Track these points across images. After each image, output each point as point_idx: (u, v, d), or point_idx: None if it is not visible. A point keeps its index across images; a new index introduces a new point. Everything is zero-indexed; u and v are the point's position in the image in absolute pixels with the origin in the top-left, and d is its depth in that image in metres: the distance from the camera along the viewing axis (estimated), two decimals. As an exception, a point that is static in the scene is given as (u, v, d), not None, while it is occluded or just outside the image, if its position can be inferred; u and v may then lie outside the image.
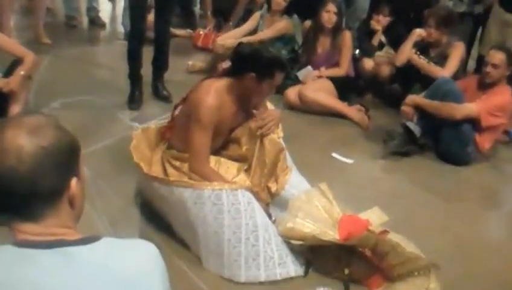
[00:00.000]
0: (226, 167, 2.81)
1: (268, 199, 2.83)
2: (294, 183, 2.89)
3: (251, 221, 2.50)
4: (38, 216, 1.09)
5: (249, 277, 2.51)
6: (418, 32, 4.50)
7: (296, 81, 4.79)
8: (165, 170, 2.79)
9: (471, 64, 5.33)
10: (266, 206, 2.76)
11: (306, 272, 2.57)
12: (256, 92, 2.72)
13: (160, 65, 4.48)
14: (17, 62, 3.58)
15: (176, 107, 2.93)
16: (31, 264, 1.03)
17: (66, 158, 1.11)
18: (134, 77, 4.34)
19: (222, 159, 2.83)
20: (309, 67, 4.77)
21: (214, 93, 2.66)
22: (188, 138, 2.69)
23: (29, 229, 1.08)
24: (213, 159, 2.79)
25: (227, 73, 2.78)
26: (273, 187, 2.83)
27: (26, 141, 1.05)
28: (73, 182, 1.13)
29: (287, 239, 2.55)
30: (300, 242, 2.53)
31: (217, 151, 2.86)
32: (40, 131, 1.07)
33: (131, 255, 1.13)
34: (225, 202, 2.48)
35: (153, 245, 1.19)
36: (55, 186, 1.09)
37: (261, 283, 2.49)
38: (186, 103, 2.82)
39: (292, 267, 2.55)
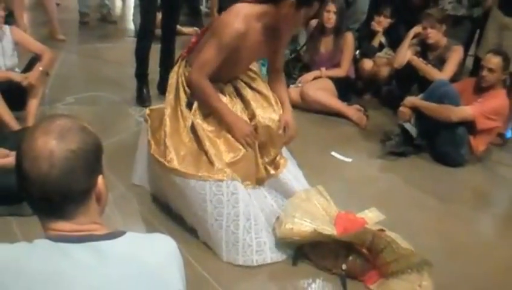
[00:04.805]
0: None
1: (264, 178, 2.85)
2: (290, 169, 2.96)
3: (233, 211, 2.55)
4: (70, 215, 1.12)
5: (229, 258, 2.60)
6: (413, 30, 4.52)
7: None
8: (177, 93, 2.79)
9: (468, 63, 5.28)
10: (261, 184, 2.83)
11: (295, 263, 2.62)
12: (290, 20, 2.65)
13: (169, 66, 4.45)
14: (35, 58, 3.67)
15: (203, 32, 2.89)
16: (66, 258, 1.07)
17: (92, 158, 1.13)
18: (142, 75, 4.36)
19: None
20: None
21: (243, 18, 2.58)
22: (201, 49, 2.68)
23: (61, 227, 1.12)
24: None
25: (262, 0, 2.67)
26: (271, 170, 2.87)
27: (55, 146, 1.07)
28: (100, 179, 1.16)
29: (287, 239, 2.59)
30: (298, 238, 2.57)
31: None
32: (68, 135, 1.09)
33: (154, 248, 1.18)
34: (208, 193, 2.54)
35: (171, 239, 1.24)
36: (85, 186, 1.13)
37: (259, 273, 2.56)
38: (213, 24, 2.79)
39: (269, 255, 2.62)
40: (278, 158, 2.91)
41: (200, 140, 2.67)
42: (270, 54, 2.97)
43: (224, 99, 2.79)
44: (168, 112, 2.77)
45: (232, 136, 2.72)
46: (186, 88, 2.78)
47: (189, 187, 2.57)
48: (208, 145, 2.64)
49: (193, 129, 2.71)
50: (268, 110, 2.86)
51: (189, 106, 2.76)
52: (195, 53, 2.78)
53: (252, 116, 2.82)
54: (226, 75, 2.81)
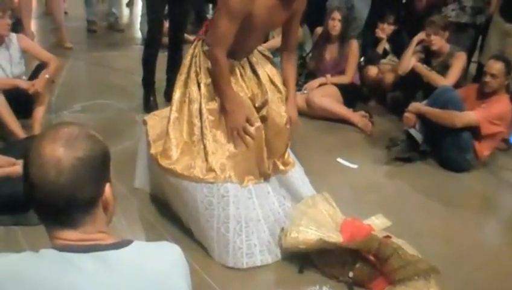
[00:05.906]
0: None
1: (271, 173, 2.79)
2: (298, 171, 2.94)
3: (223, 213, 2.54)
4: (77, 223, 1.10)
5: (221, 259, 2.59)
6: (417, 37, 4.51)
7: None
8: (188, 74, 2.73)
9: (471, 69, 5.27)
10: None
11: (301, 271, 2.58)
12: None
13: (176, 74, 4.43)
14: (41, 66, 3.66)
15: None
16: (72, 268, 1.05)
17: (100, 166, 1.11)
18: (149, 83, 4.35)
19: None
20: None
21: None
22: (213, 22, 2.62)
23: (68, 236, 1.10)
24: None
25: None
26: (281, 165, 2.83)
27: (63, 154, 1.06)
28: (107, 187, 1.14)
29: (293, 249, 2.56)
30: (304, 247, 2.54)
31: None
32: (75, 143, 1.08)
33: (160, 256, 1.17)
34: (199, 194, 2.53)
35: (177, 246, 1.22)
36: (92, 194, 1.11)
37: (264, 280, 2.55)
38: None
39: (259, 257, 2.60)
40: (286, 156, 2.87)
41: (202, 130, 2.62)
42: (284, 25, 2.82)
43: (240, 81, 2.72)
44: (176, 96, 2.73)
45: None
46: (198, 68, 2.70)
47: (182, 187, 2.57)
48: (209, 140, 2.60)
49: (198, 115, 2.66)
50: (281, 106, 2.81)
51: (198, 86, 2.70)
52: (210, 30, 2.70)
53: (264, 104, 2.76)
54: (242, 47, 2.70)
